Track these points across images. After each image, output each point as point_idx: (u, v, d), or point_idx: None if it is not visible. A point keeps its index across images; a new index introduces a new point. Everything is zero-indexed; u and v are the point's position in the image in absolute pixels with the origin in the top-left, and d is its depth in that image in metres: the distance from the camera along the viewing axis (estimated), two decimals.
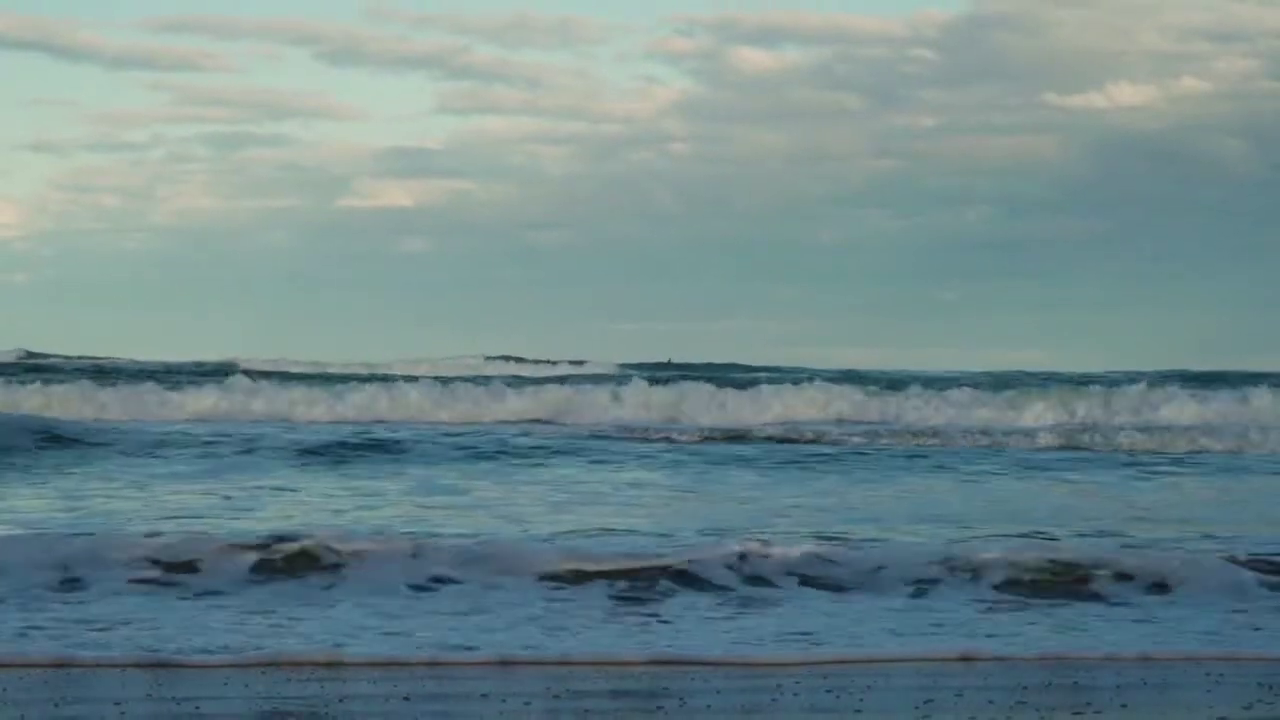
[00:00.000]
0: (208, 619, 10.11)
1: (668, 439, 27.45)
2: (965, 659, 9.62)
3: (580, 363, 56.07)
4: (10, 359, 47.76)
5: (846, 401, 36.16)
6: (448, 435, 26.01)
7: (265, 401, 34.85)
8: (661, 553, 11.98)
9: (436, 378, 38.94)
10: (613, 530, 13.78)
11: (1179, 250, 69.41)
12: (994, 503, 17.69)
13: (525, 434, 27.45)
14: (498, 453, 22.70)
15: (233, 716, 7.92)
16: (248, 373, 39.74)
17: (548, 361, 56.79)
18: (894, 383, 39.82)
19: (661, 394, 36.23)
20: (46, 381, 35.67)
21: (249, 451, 22.09)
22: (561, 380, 42.06)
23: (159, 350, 50.66)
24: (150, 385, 36.00)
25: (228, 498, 16.48)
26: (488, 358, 56.67)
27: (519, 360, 56.91)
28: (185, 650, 9.19)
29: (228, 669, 8.89)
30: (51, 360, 49.22)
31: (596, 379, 42.71)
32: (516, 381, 40.22)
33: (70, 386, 35.03)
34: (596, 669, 9.16)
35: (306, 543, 11.70)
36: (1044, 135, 71.70)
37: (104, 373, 41.74)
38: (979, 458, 23.78)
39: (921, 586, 11.56)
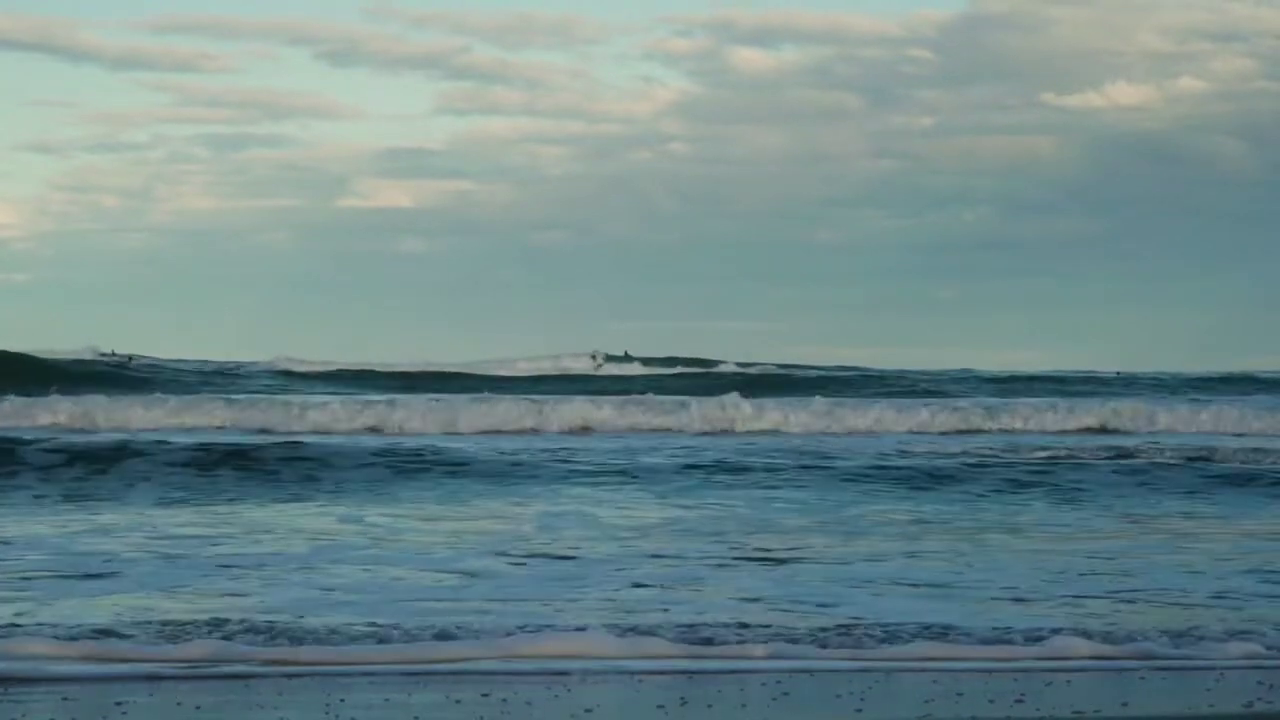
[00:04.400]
0: None
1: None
2: None
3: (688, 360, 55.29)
4: (86, 354, 46.56)
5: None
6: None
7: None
8: None
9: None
10: None
11: (1177, 250, 69.50)
12: None
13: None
14: None
15: None
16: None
17: (668, 359, 55.82)
18: None
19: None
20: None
21: None
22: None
23: (160, 351, 50.53)
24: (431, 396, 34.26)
25: None
26: (609, 356, 56.07)
27: (630, 359, 55.93)
28: None
29: None
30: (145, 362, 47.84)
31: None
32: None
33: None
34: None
35: None
36: (1042, 135, 71.74)
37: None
38: None
39: None
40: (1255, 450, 26.93)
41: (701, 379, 48.05)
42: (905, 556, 13.98)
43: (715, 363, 56.10)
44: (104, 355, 47.00)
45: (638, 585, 12.15)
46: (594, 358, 55.67)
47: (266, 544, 14.31)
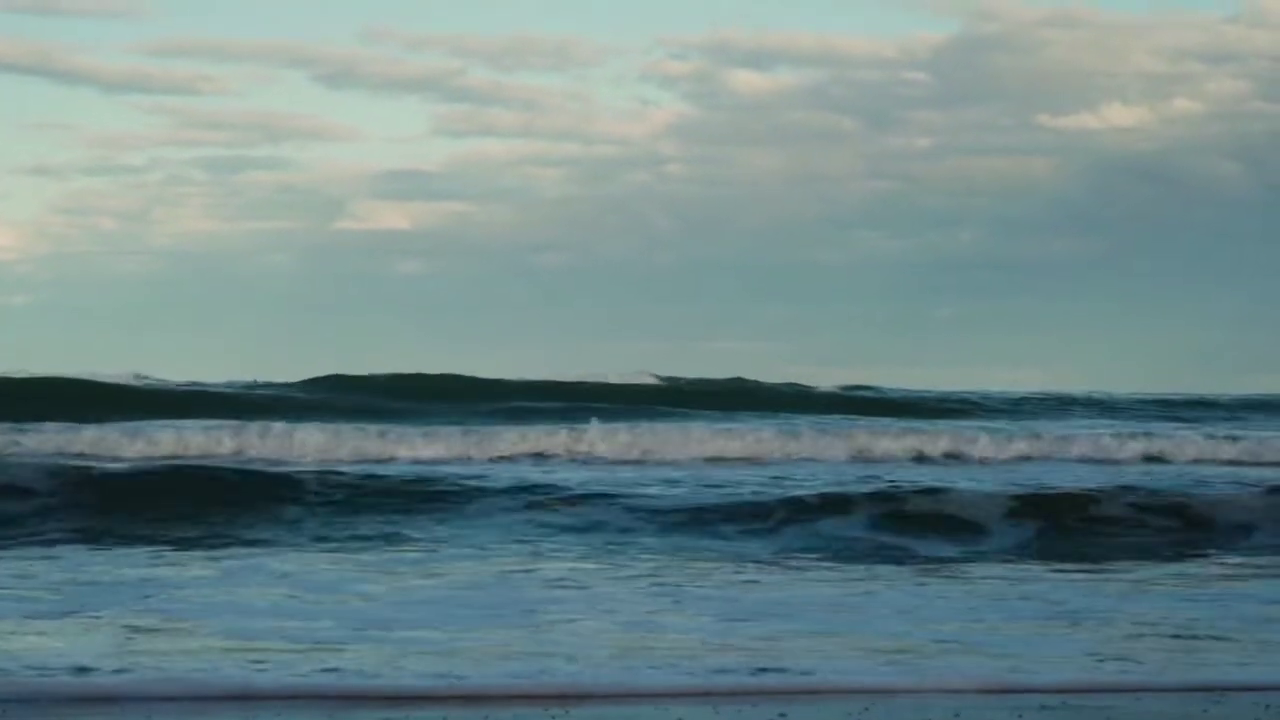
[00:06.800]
0: None
1: None
2: None
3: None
4: (125, 380, 45.40)
5: None
6: None
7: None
8: None
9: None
10: None
11: (1173, 270, 69.38)
12: None
13: None
14: None
15: None
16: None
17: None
18: None
19: None
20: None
21: None
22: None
23: (160, 371, 50.34)
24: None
25: None
26: (662, 377, 55.50)
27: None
28: None
29: None
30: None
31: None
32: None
33: None
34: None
35: None
36: (1038, 156, 71.65)
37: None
38: None
39: None
40: None
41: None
42: None
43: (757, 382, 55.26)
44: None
45: None
46: (654, 378, 55.26)
47: None
